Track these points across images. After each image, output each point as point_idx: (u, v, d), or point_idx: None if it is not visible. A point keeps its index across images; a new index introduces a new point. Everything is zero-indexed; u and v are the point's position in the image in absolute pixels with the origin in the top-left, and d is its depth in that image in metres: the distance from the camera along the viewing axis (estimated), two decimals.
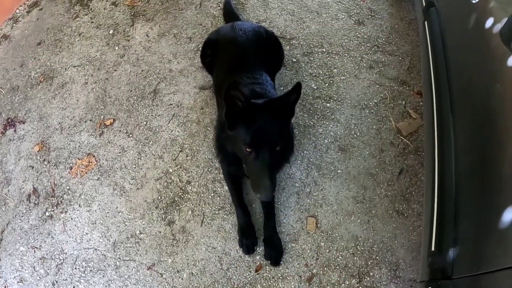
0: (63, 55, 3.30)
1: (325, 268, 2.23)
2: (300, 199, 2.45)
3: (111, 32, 3.35)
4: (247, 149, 1.83)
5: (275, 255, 2.25)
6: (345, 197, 2.43)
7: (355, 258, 2.24)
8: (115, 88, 3.01)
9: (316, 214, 2.40)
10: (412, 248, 2.22)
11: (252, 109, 1.84)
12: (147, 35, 3.26)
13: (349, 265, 2.22)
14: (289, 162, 2.24)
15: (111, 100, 2.96)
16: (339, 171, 2.53)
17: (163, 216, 2.47)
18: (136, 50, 3.19)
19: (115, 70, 3.11)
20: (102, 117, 2.89)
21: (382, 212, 2.35)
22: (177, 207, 2.49)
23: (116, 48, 3.24)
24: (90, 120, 2.89)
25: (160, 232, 2.43)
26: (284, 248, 2.28)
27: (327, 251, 2.28)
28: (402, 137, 2.58)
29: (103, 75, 3.11)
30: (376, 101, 2.77)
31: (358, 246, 2.28)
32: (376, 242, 2.27)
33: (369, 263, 2.23)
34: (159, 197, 2.54)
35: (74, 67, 3.20)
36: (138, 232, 2.44)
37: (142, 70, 3.06)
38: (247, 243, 2.28)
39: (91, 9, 3.57)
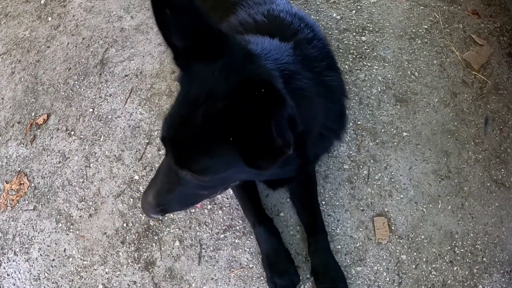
0: None
1: None
2: (355, 189, 1.39)
3: (42, 2, 2.20)
4: None
5: None
6: (422, 173, 1.46)
7: (455, 268, 1.35)
8: (49, 70, 1.87)
9: (385, 209, 1.35)
10: None
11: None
12: None
13: (449, 281, 1.33)
14: (341, 139, 1.06)
15: (44, 88, 1.83)
16: (404, 134, 1.48)
17: (136, 256, 1.37)
18: (74, 15, 2.04)
19: (48, 47, 1.97)
20: (33, 114, 1.76)
21: (477, 186, 1.46)
22: (156, 237, 1.38)
23: (50, 19, 2.09)
24: (18, 123, 1.77)
25: (135, 282, 1.33)
26: (347, 277, 1.23)
27: (413, 266, 1.33)
28: (474, 72, 1.70)
29: (34, 57, 1.97)
30: (426, 27, 1.83)
31: (456, 248, 1.37)
32: (479, 236, 1.40)
33: (475, 270, 1.35)
34: (125, 225, 1.42)
35: None
36: (101, 286, 1.35)
37: (84, 38, 1.92)
38: (283, 283, 1.19)
39: None
